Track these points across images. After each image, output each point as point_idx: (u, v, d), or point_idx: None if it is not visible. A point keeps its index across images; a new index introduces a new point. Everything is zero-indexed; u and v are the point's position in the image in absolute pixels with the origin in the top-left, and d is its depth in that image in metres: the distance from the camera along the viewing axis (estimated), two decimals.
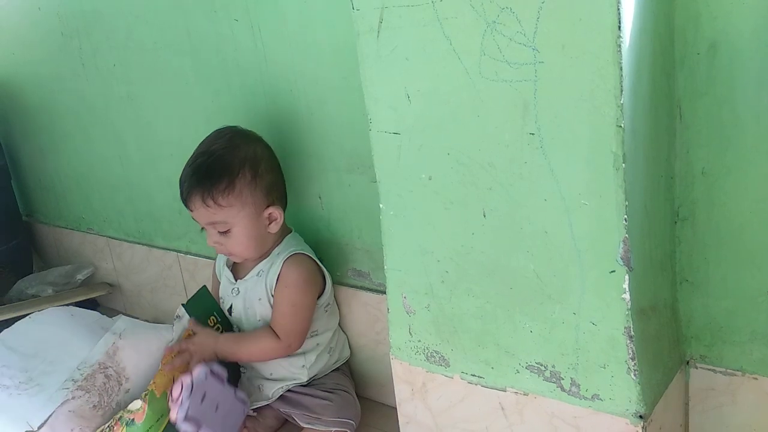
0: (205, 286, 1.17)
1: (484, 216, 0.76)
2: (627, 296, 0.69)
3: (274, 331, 1.06)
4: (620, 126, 0.64)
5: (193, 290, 1.45)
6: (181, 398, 0.93)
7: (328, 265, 1.12)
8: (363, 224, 1.09)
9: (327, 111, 1.06)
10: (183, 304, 1.12)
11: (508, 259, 0.76)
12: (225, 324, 1.14)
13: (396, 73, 0.77)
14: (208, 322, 1.12)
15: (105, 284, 1.69)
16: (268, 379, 1.11)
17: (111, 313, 1.69)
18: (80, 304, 1.63)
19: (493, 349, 0.81)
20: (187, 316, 1.11)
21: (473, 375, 0.84)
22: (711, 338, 0.80)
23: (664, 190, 0.76)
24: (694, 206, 0.77)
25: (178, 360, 1.04)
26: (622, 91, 0.63)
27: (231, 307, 1.14)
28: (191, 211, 1.05)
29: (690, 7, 0.71)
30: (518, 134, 0.70)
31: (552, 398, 0.78)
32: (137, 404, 0.98)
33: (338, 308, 1.15)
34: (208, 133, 1.09)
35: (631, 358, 0.71)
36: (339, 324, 1.15)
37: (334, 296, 1.14)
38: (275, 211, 1.06)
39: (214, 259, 1.23)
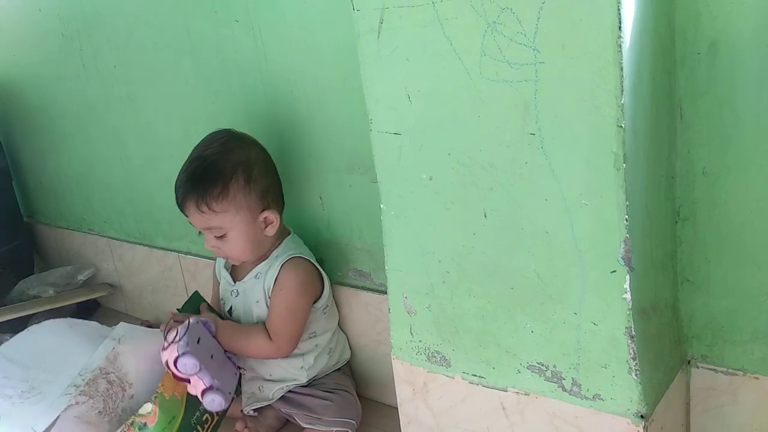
0: (197, 291, 1.17)
1: (485, 216, 0.76)
2: (628, 296, 0.69)
3: (267, 332, 1.06)
4: (621, 126, 0.64)
5: (193, 290, 1.45)
6: (177, 336, 0.92)
7: (329, 265, 1.12)
8: (364, 224, 1.09)
9: (327, 111, 1.06)
10: (177, 309, 1.12)
11: (509, 259, 0.76)
12: None
13: (396, 73, 0.77)
14: None
15: (106, 285, 1.69)
16: (267, 380, 1.11)
17: (112, 313, 1.70)
18: (81, 305, 1.64)
19: (494, 349, 0.81)
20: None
21: (474, 375, 0.84)
22: (712, 338, 0.80)
23: (665, 190, 0.76)
24: (695, 206, 0.77)
25: (173, 326, 1.03)
26: (622, 91, 0.63)
27: (231, 308, 1.14)
28: (187, 216, 1.05)
29: (690, 6, 0.71)
30: (519, 134, 0.70)
31: (553, 398, 0.78)
32: (148, 407, 0.98)
33: (339, 308, 1.15)
34: (208, 134, 1.09)
35: (633, 358, 0.71)
36: (339, 324, 1.15)
37: (335, 297, 1.14)
38: (271, 215, 1.05)
39: (215, 259, 1.23)
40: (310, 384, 1.11)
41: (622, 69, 0.62)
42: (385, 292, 0.90)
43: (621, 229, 0.67)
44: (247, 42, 1.12)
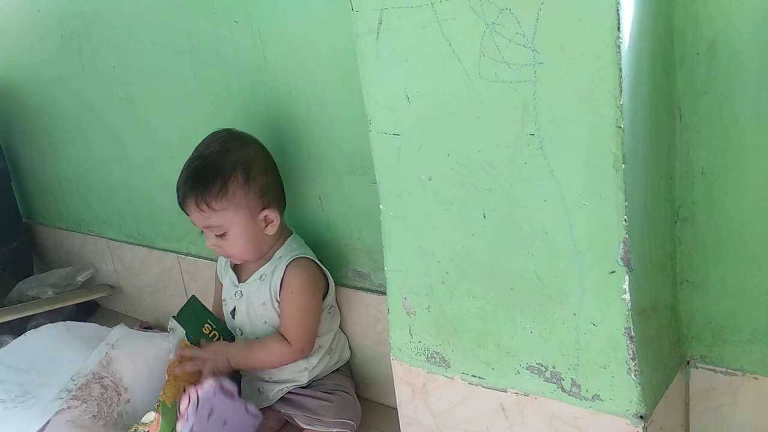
0: (194, 295, 1.16)
1: (484, 217, 0.76)
2: (627, 297, 0.69)
3: (284, 336, 1.06)
4: (620, 127, 0.64)
5: (193, 291, 1.45)
6: (187, 414, 0.93)
7: (329, 266, 1.12)
8: (363, 225, 1.09)
9: (327, 112, 1.06)
10: (174, 316, 1.12)
11: (508, 260, 0.76)
12: (221, 330, 1.14)
13: (395, 74, 0.77)
14: (203, 330, 1.12)
15: (105, 286, 1.69)
16: (268, 381, 1.11)
17: (111, 314, 1.70)
18: (81, 306, 1.63)
19: (494, 350, 0.81)
20: (180, 328, 1.11)
21: (474, 376, 0.84)
22: (711, 338, 0.80)
23: (664, 191, 0.76)
24: (694, 206, 0.77)
25: (190, 365, 1.04)
26: (621, 91, 0.63)
27: (234, 309, 1.14)
28: (188, 215, 1.06)
29: (689, 7, 0.71)
30: (518, 135, 0.70)
31: (552, 399, 0.78)
32: (151, 416, 0.98)
33: (339, 309, 1.15)
34: (209, 133, 1.09)
35: (632, 359, 0.71)
36: (339, 325, 1.15)
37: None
38: (271, 214, 1.05)
39: (214, 260, 1.23)
40: (309, 385, 1.11)
41: (621, 70, 0.62)
42: (385, 293, 0.90)
43: (620, 229, 0.67)
44: (246, 43, 1.12)
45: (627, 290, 0.69)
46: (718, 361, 0.81)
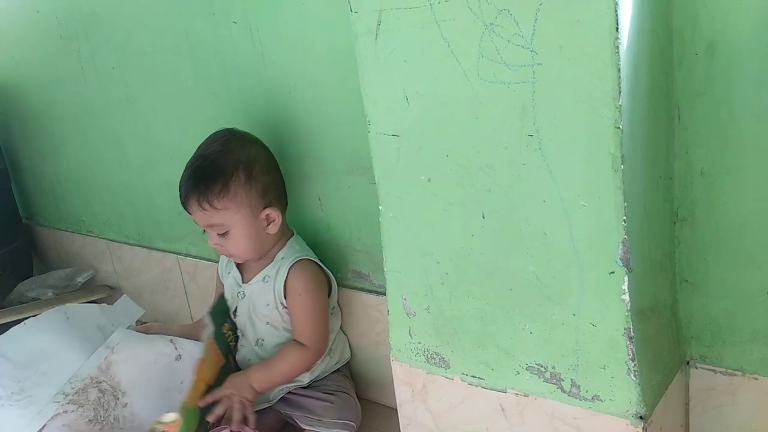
0: (222, 293, 1.16)
1: (484, 218, 0.76)
2: (626, 297, 0.69)
3: (298, 342, 1.06)
4: (618, 127, 0.64)
5: (193, 292, 1.46)
6: None
7: (328, 266, 1.12)
8: (363, 226, 1.09)
9: (326, 113, 1.06)
10: (209, 312, 1.11)
11: (507, 261, 0.76)
12: (233, 331, 1.14)
13: (394, 75, 0.77)
14: (223, 329, 1.12)
15: (105, 287, 1.69)
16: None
17: None
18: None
19: (493, 351, 0.81)
20: (211, 326, 1.10)
21: (473, 376, 0.84)
22: (711, 338, 0.80)
23: (663, 191, 0.76)
24: (694, 206, 0.77)
25: (221, 408, 1.02)
26: (620, 92, 0.63)
27: (236, 310, 1.14)
28: (190, 214, 1.06)
29: (688, 7, 0.71)
30: (517, 136, 0.70)
31: (552, 399, 0.78)
32: (172, 416, 0.97)
33: (339, 310, 1.15)
34: (207, 135, 1.09)
35: (631, 359, 0.71)
36: (339, 326, 1.15)
37: None
38: (273, 213, 1.06)
39: (214, 261, 1.23)
40: (310, 385, 1.11)
41: (619, 70, 0.62)
42: (385, 294, 0.90)
43: (619, 230, 0.67)
44: (245, 43, 1.12)
45: (626, 291, 0.69)
46: (717, 361, 0.81)
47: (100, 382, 1.08)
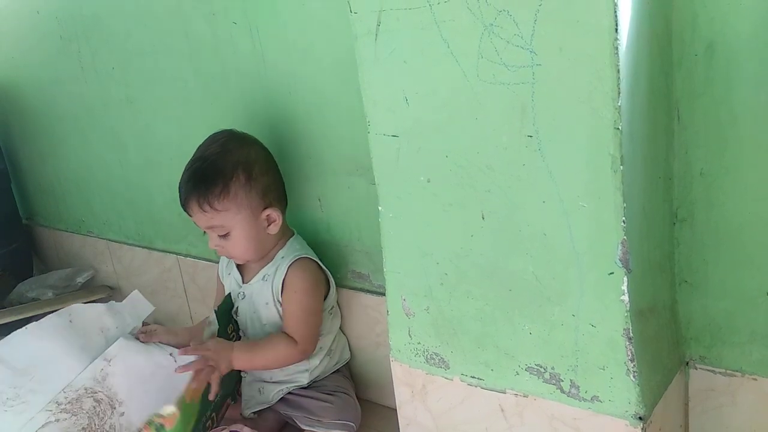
0: (230, 293, 1.16)
1: (483, 218, 0.76)
2: (626, 298, 0.69)
3: (289, 336, 1.06)
4: (618, 128, 0.64)
5: (192, 292, 1.46)
6: None
7: (328, 267, 1.12)
8: (362, 226, 1.09)
9: (326, 113, 1.06)
10: (215, 310, 1.11)
11: (507, 261, 0.77)
12: (237, 330, 1.14)
13: (394, 75, 0.77)
14: (228, 329, 1.12)
15: (105, 287, 1.69)
16: (268, 382, 1.11)
17: None
18: None
19: (493, 351, 0.81)
20: (216, 324, 1.09)
21: (473, 377, 0.84)
22: (710, 339, 0.80)
23: (663, 191, 0.76)
24: (693, 207, 0.77)
25: (194, 365, 1.02)
26: (619, 93, 0.63)
27: (237, 309, 1.14)
28: (190, 216, 1.06)
29: (687, 8, 0.71)
30: (516, 136, 0.70)
31: (552, 400, 0.78)
32: (170, 409, 0.97)
33: (339, 310, 1.15)
34: (207, 136, 1.09)
35: (631, 360, 0.71)
36: (339, 326, 1.15)
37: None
38: (273, 213, 1.06)
39: (214, 261, 1.23)
40: (309, 386, 1.11)
41: (619, 71, 0.62)
42: (384, 294, 0.90)
43: (618, 230, 0.67)
44: (245, 44, 1.12)
45: (626, 291, 0.69)
46: (717, 361, 0.81)
47: (96, 393, 1.07)
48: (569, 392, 0.76)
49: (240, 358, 1.05)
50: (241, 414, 1.13)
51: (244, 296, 1.12)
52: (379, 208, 0.85)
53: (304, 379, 1.10)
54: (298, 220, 1.16)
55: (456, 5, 0.69)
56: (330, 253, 1.14)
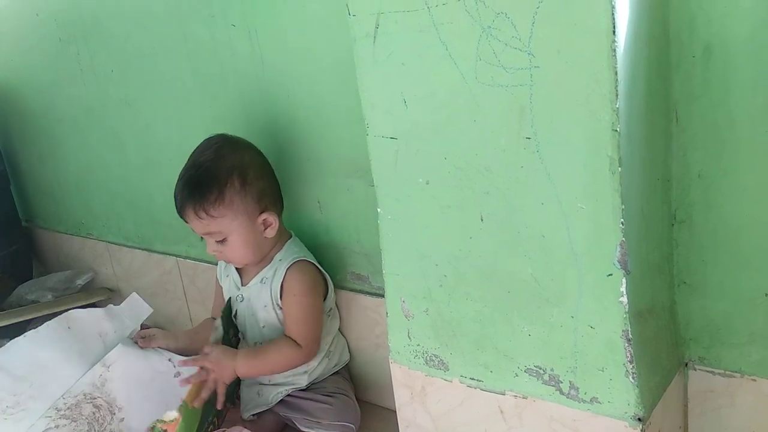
0: (230, 297, 1.16)
1: (482, 220, 0.76)
2: (624, 299, 0.69)
3: (292, 340, 1.06)
4: (616, 130, 0.64)
5: (192, 294, 1.46)
6: None
7: (327, 269, 1.12)
8: (361, 228, 1.09)
9: (325, 115, 1.06)
10: (220, 317, 1.11)
11: (505, 263, 0.77)
12: (237, 333, 1.14)
13: (392, 78, 0.77)
14: (229, 333, 1.12)
15: (105, 289, 1.69)
16: (266, 384, 1.11)
17: None
18: (80, 309, 1.63)
19: (492, 353, 0.81)
20: (221, 330, 1.09)
21: (472, 378, 0.84)
22: (709, 340, 0.81)
23: (661, 193, 0.76)
24: (691, 209, 0.77)
25: (196, 377, 1.02)
26: (617, 95, 0.63)
27: (236, 313, 1.14)
28: (187, 223, 1.06)
29: (685, 10, 0.71)
30: (514, 138, 0.70)
31: (551, 401, 0.78)
32: (173, 415, 0.97)
33: (338, 312, 1.15)
34: (204, 140, 1.09)
35: (629, 361, 0.71)
36: (338, 328, 1.16)
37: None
38: (269, 217, 1.06)
39: (213, 263, 1.23)
40: (309, 388, 1.11)
41: (616, 73, 0.62)
42: (383, 296, 0.90)
43: (617, 232, 0.67)
44: (244, 46, 1.12)
45: (624, 293, 0.69)
46: (716, 363, 0.81)
47: (95, 398, 1.08)
48: (568, 394, 0.77)
49: (244, 365, 1.04)
50: (240, 416, 1.13)
51: (243, 299, 1.12)
52: (378, 210, 0.85)
53: (303, 381, 1.10)
54: (297, 223, 1.16)
55: (454, 8, 0.69)
56: (329, 255, 1.14)
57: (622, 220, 0.67)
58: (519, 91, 0.68)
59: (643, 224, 0.72)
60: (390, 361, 0.92)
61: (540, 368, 0.78)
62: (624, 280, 0.69)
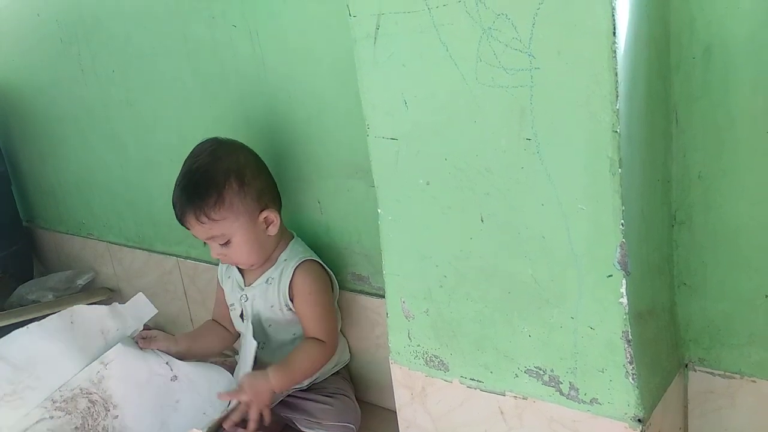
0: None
1: (482, 221, 0.76)
2: (624, 300, 0.70)
3: (315, 339, 1.07)
4: (616, 131, 0.64)
5: (192, 294, 1.46)
6: None
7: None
8: (362, 229, 1.09)
9: (325, 116, 1.06)
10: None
11: (506, 264, 0.77)
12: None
13: (393, 79, 0.77)
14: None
15: (105, 289, 1.69)
16: None
17: None
18: None
19: (492, 354, 0.82)
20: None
21: (472, 379, 0.84)
22: (709, 341, 0.81)
23: (661, 194, 0.76)
24: (691, 210, 0.77)
25: (236, 415, 1.01)
26: (617, 96, 0.63)
27: (242, 313, 1.14)
28: (189, 229, 1.06)
29: (685, 11, 0.71)
30: (515, 140, 0.70)
31: (551, 402, 0.78)
32: None
33: (339, 312, 1.16)
34: (206, 138, 1.09)
35: (629, 362, 0.71)
36: (339, 328, 1.16)
37: None
38: (270, 215, 1.06)
39: (214, 263, 1.23)
40: (309, 388, 1.11)
41: (617, 74, 0.62)
42: (384, 296, 0.90)
43: (617, 233, 0.68)
44: (245, 47, 1.13)
45: (624, 294, 0.69)
46: (716, 364, 0.81)
47: (91, 394, 1.08)
48: (568, 394, 0.77)
49: (279, 381, 1.03)
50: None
51: (247, 299, 1.13)
52: (379, 210, 0.85)
53: (304, 381, 1.10)
54: (297, 223, 1.16)
55: (454, 9, 0.69)
56: (330, 256, 1.14)
57: (622, 221, 0.67)
58: (519, 92, 0.68)
59: (643, 225, 0.72)
60: (390, 361, 0.92)
61: (540, 369, 0.78)
62: (624, 281, 0.69)
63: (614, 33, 0.61)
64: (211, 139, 1.08)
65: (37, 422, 1.05)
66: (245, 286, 1.13)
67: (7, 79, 1.75)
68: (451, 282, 0.82)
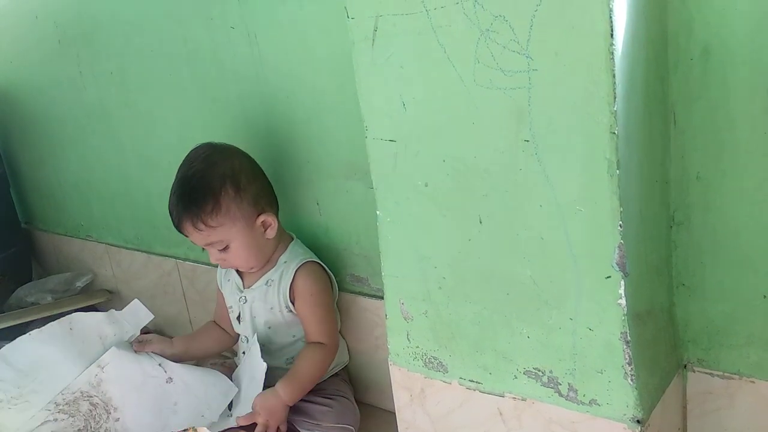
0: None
1: (481, 222, 0.76)
2: (623, 301, 0.70)
3: (315, 342, 1.07)
4: (614, 133, 0.64)
5: (191, 296, 1.46)
6: None
7: None
8: (361, 230, 1.09)
9: (324, 118, 1.06)
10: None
11: (504, 265, 0.77)
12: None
13: (391, 80, 0.77)
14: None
15: (104, 291, 1.69)
16: (266, 386, 1.11)
17: None
18: (80, 311, 1.63)
19: (491, 355, 0.82)
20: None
21: (471, 381, 0.84)
22: (708, 342, 0.81)
23: (660, 195, 0.76)
24: (690, 210, 0.77)
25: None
26: (615, 98, 0.63)
27: (239, 315, 1.14)
28: (186, 236, 1.06)
29: (683, 12, 0.71)
30: (513, 141, 0.70)
31: (550, 403, 0.78)
32: None
33: (338, 313, 1.16)
34: (205, 140, 1.09)
35: (628, 363, 0.71)
36: (338, 329, 1.16)
37: None
38: (268, 218, 1.06)
39: (213, 265, 1.23)
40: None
41: (614, 76, 0.62)
42: (383, 298, 0.90)
43: (615, 234, 0.68)
44: (243, 49, 1.13)
45: (623, 295, 0.69)
46: (714, 364, 0.81)
47: (91, 396, 1.10)
48: (567, 396, 0.77)
49: (289, 394, 1.03)
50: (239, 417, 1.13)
51: (246, 301, 1.12)
52: (377, 212, 0.85)
53: None
54: (296, 224, 1.16)
55: (452, 11, 0.69)
56: (328, 257, 1.14)
57: (620, 222, 0.67)
58: (517, 94, 0.68)
59: (641, 226, 0.72)
60: (389, 363, 0.92)
61: (539, 370, 0.78)
62: (622, 282, 0.69)
63: (612, 34, 0.61)
64: (204, 144, 1.08)
65: (42, 424, 1.07)
66: (244, 288, 1.13)
67: (6, 81, 1.75)
68: (449, 283, 0.82)
